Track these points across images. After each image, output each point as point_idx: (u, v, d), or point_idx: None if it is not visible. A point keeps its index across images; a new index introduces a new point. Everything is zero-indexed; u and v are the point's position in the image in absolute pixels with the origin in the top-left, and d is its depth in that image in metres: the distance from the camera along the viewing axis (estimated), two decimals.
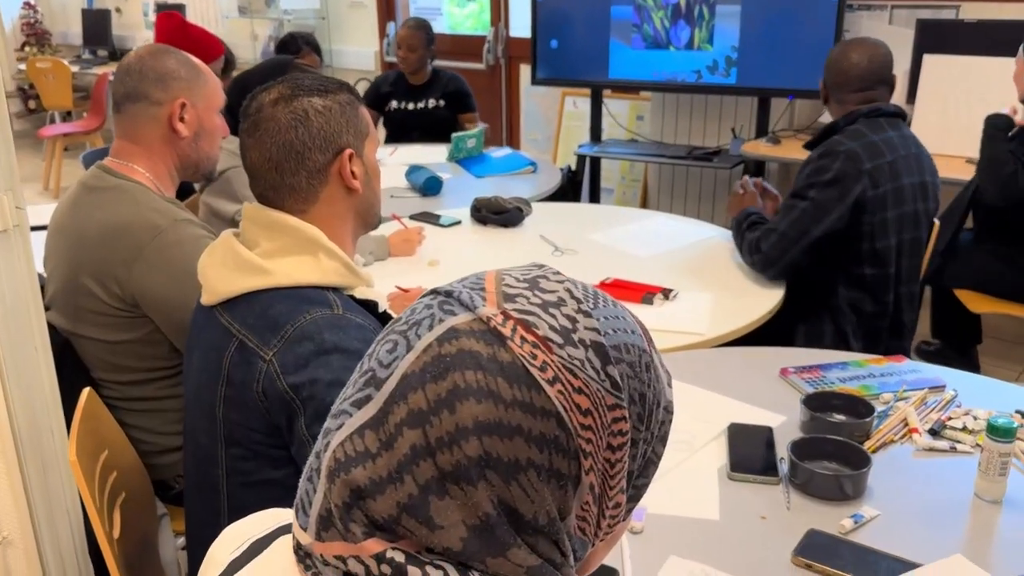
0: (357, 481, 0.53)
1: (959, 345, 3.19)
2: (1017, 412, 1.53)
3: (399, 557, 0.53)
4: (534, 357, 0.53)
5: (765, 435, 1.44)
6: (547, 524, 0.53)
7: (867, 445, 1.41)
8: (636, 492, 0.61)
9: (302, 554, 0.58)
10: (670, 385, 0.62)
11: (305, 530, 0.57)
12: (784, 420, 1.51)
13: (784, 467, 1.34)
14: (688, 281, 2.21)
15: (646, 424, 0.58)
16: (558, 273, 0.60)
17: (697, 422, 1.51)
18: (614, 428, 0.55)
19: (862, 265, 2.17)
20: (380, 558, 0.53)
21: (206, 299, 1.19)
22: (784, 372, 1.68)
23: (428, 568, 0.53)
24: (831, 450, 1.35)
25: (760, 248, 2.17)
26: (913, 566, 1.13)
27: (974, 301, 2.95)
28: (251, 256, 1.15)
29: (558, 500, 0.54)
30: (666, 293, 2.07)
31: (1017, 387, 1.66)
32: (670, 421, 0.62)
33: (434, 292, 0.58)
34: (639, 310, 2.02)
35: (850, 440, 1.37)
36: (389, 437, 0.53)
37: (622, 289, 2.11)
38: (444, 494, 0.52)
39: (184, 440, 1.29)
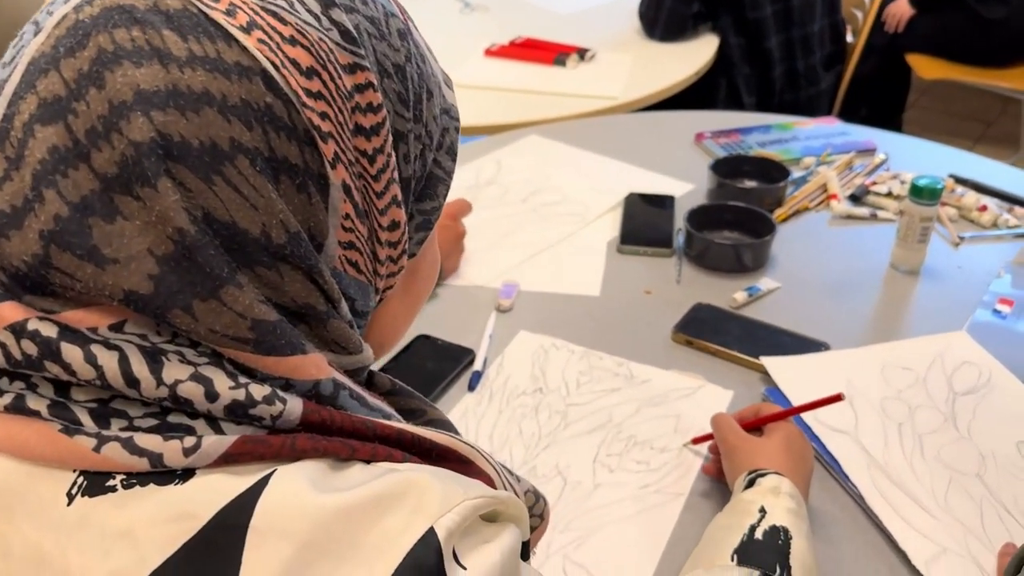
0: None
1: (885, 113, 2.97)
2: (951, 176, 1.37)
3: (48, 330, 0.36)
4: (216, 1, 0.37)
5: (665, 205, 1.27)
6: (288, 244, 0.38)
7: (778, 213, 1.25)
8: (425, 218, 0.46)
9: None
10: (450, 87, 0.48)
11: None
12: (691, 189, 1.34)
13: (680, 238, 1.19)
14: (611, 41, 1.96)
15: (415, 114, 0.43)
16: None
17: (593, 192, 1.34)
18: (360, 101, 0.40)
19: (743, 7, 1.96)
20: (19, 331, 0.36)
21: None
22: (699, 137, 1.50)
23: (95, 348, 0.36)
24: (734, 219, 1.20)
25: (639, 12, 1.99)
26: (809, 341, 1.01)
27: (926, 66, 2.74)
28: None
29: (300, 209, 0.38)
30: (582, 54, 1.84)
31: (955, 150, 1.50)
32: (456, 130, 0.47)
33: None
34: (549, 72, 1.79)
35: (758, 208, 1.21)
36: (18, 147, 0.36)
37: (532, 49, 1.86)
38: (114, 213, 0.35)
39: None
